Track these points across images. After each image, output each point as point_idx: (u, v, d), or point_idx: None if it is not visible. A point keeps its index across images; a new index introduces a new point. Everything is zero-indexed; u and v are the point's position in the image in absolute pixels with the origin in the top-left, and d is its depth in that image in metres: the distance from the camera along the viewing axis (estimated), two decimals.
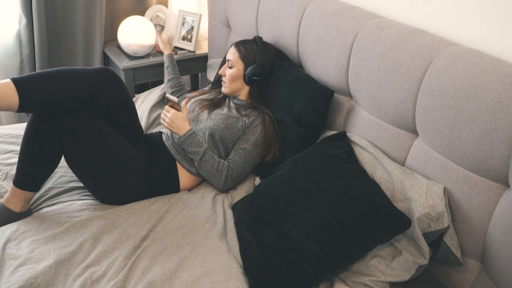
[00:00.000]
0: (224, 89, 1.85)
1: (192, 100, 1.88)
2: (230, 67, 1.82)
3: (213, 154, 1.64)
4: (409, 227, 1.27)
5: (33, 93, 1.40)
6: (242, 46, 1.84)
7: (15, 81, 1.39)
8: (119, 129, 1.60)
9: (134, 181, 1.56)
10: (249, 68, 1.80)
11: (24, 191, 1.46)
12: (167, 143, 1.71)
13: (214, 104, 1.81)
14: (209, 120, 1.71)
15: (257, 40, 1.85)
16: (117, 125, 1.59)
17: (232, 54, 1.83)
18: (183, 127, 1.65)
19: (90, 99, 1.49)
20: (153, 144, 1.72)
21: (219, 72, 1.87)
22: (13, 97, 1.37)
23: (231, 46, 1.87)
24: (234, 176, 1.65)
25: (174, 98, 1.68)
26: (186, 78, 3.24)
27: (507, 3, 1.24)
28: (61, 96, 1.44)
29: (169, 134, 1.74)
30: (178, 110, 1.67)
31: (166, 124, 1.65)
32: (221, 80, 1.89)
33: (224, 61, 1.91)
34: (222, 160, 1.65)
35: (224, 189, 1.66)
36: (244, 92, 1.86)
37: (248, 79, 1.81)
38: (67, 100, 1.45)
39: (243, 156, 1.67)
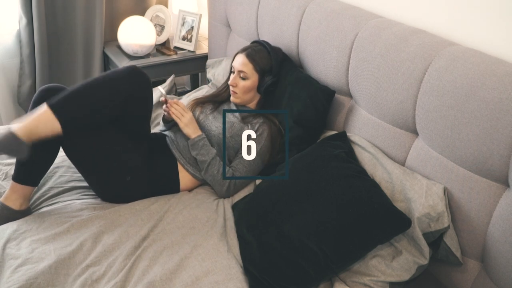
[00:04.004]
0: (235, 100, 1.77)
1: (192, 102, 1.83)
2: (244, 78, 1.73)
3: (220, 161, 1.62)
4: (409, 227, 1.27)
5: (72, 117, 1.42)
6: (256, 56, 1.74)
7: (51, 106, 1.39)
8: (129, 125, 1.58)
9: (129, 178, 1.55)
10: (266, 79, 1.74)
11: (23, 186, 1.47)
12: (171, 147, 1.69)
13: (218, 108, 1.79)
14: (214, 128, 1.69)
15: (269, 48, 1.78)
16: (129, 121, 1.57)
17: (245, 66, 1.73)
18: (195, 132, 1.65)
19: (124, 103, 1.49)
20: (155, 143, 1.72)
21: (229, 82, 1.76)
22: (54, 124, 1.38)
23: (239, 54, 1.77)
24: (237, 184, 1.64)
25: (165, 94, 1.70)
26: (186, 78, 3.25)
27: (507, 3, 1.25)
28: (98, 110, 1.46)
29: (173, 137, 1.72)
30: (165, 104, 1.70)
31: (182, 124, 1.64)
32: (229, 89, 1.80)
33: (231, 70, 1.80)
34: (227, 167, 1.63)
35: (226, 196, 1.63)
36: (254, 101, 1.81)
37: (265, 90, 1.76)
38: (105, 110, 1.47)
39: (247, 165, 1.64)
